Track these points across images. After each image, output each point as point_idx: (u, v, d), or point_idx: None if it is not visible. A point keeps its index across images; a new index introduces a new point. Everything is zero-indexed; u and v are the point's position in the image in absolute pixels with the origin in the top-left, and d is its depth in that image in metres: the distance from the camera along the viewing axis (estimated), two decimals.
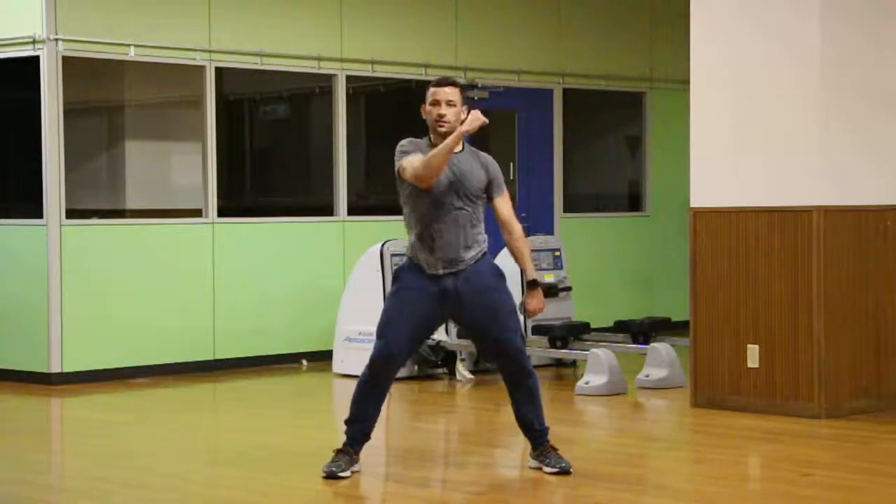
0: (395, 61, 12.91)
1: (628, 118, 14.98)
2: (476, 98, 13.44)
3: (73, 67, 11.11)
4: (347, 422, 7.45)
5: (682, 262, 10.50)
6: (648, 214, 14.84)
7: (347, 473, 7.33)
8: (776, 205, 9.12)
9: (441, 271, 7.27)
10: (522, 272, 7.65)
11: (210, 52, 11.80)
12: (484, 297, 7.27)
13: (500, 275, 7.38)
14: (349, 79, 12.66)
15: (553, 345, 11.40)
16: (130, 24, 11.39)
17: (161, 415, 9.96)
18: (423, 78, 13.02)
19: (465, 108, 7.33)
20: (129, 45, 11.34)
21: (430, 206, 7.26)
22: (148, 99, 12.54)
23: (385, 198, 13.72)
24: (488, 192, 7.35)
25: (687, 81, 9.68)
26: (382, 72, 12.88)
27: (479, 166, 7.34)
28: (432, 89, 7.31)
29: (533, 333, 11.61)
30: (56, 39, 10.95)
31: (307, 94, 13.08)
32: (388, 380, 7.45)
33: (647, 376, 10.56)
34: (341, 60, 12.58)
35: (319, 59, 12.44)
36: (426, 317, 7.33)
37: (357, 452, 7.42)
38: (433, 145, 7.23)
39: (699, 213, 9.49)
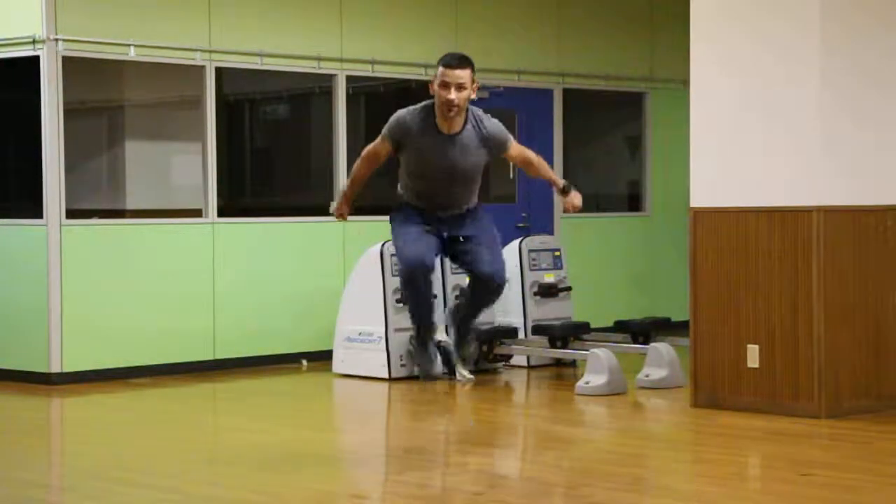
0: (395, 61, 12.91)
1: (628, 118, 14.98)
2: (476, 98, 13.43)
3: (73, 67, 11.11)
4: (414, 323, 7.78)
5: (682, 262, 10.50)
6: (648, 214, 14.84)
7: (439, 365, 7.90)
8: (776, 205, 9.12)
9: (432, 210, 7.56)
10: (553, 184, 7.98)
11: (210, 52, 11.80)
12: (476, 229, 7.56)
13: (489, 218, 7.71)
14: (349, 79, 12.66)
15: (553, 345, 11.41)
16: (130, 24, 11.39)
17: (161, 415, 9.96)
18: (423, 78, 13.02)
19: (475, 86, 7.34)
20: (129, 45, 11.35)
21: (427, 180, 7.45)
22: (148, 99, 12.54)
23: (385, 198, 13.73)
24: (496, 156, 7.55)
25: (687, 81, 9.69)
26: (382, 72, 12.89)
27: (480, 146, 7.40)
28: (442, 69, 7.26)
29: (533, 333, 11.62)
30: (56, 39, 10.95)
31: (307, 94, 13.08)
32: (426, 281, 7.52)
33: (647, 376, 10.56)
34: (341, 60, 12.58)
35: (319, 59, 12.44)
36: (433, 235, 7.56)
37: (433, 323, 7.71)
38: (434, 123, 7.30)
39: (699, 213, 9.49)
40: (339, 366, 11.45)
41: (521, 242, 11.98)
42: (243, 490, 7.20)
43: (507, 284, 7.71)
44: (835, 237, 9.03)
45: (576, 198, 7.78)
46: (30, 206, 11.14)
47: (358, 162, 7.72)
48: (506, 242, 12.23)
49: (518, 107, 13.88)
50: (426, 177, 7.48)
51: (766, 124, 9.19)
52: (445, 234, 7.58)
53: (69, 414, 10.29)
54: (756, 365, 9.20)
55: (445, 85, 7.22)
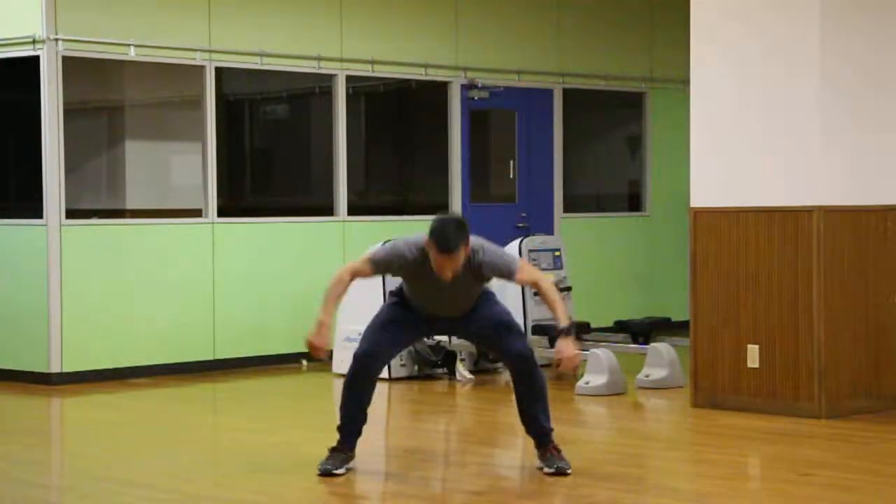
0: (395, 61, 12.91)
1: (628, 118, 14.98)
2: (476, 98, 13.45)
3: (73, 67, 11.11)
4: (339, 427, 7.53)
5: (682, 262, 10.51)
6: (648, 214, 14.84)
7: (342, 471, 7.36)
8: (776, 205, 9.12)
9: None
10: (555, 319, 7.31)
11: (210, 52, 11.80)
12: (479, 319, 7.37)
13: (487, 292, 7.46)
14: (349, 79, 12.66)
15: (553, 345, 11.37)
16: (130, 24, 11.39)
17: (161, 415, 9.96)
18: (423, 78, 13.03)
19: (467, 249, 7.10)
20: (129, 45, 11.34)
21: (425, 302, 7.38)
22: (148, 99, 12.54)
23: (385, 198, 13.74)
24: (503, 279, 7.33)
25: (687, 81, 9.69)
26: (382, 72, 12.88)
27: (475, 279, 7.23)
28: (435, 252, 7.02)
29: (533, 333, 11.60)
30: (56, 39, 10.95)
31: (307, 94, 13.08)
32: (370, 380, 7.46)
33: (647, 376, 10.55)
34: (341, 60, 12.58)
35: (319, 59, 12.43)
36: (414, 329, 7.50)
37: (351, 450, 7.47)
38: (431, 267, 7.10)
39: (699, 213, 9.48)
40: (339, 366, 11.44)
41: (521, 242, 11.97)
42: (243, 490, 7.19)
43: (535, 363, 7.40)
44: (835, 237, 9.03)
45: (565, 349, 7.07)
46: (30, 206, 11.14)
47: (334, 282, 7.28)
48: (506, 242, 12.24)
49: (518, 107, 13.87)
50: (423, 301, 7.39)
51: (766, 124, 9.19)
52: (436, 332, 7.66)
53: (69, 414, 10.29)
54: (756, 365, 9.19)
55: (440, 264, 7.06)
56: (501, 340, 7.34)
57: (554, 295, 7.14)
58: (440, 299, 7.33)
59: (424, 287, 7.29)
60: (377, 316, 7.52)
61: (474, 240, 7.17)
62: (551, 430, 7.43)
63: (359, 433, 7.51)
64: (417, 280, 7.28)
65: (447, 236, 7.01)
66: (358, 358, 7.38)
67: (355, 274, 7.27)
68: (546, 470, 7.32)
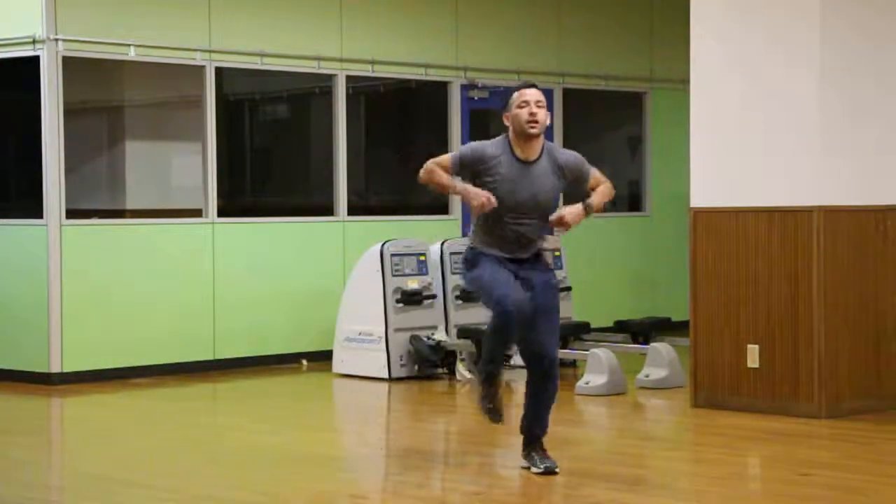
0: (395, 61, 12.91)
1: (628, 118, 14.98)
2: (476, 98, 13.45)
3: (73, 67, 11.11)
4: (485, 362, 7.34)
5: (682, 262, 10.50)
6: (648, 214, 14.84)
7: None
8: (776, 205, 9.12)
9: (510, 256, 7.31)
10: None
11: (210, 52, 11.80)
12: (543, 292, 7.33)
13: (554, 278, 7.55)
14: (349, 79, 12.66)
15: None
16: (130, 24, 11.39)
17: (161, 415, 9.96)
18: (423, 78, 13.03)
19: (548, 114, 7.28)
20: (129, 45, 11.34)
21: (506, 210, 7.19)
22: (148, 99, 12.54)
23: (385, 198, 13.75)
24: (574, 187, 7.34)
25: (687, 81, 9.68)
26: (382, 72, 12.89)
27: (555, 175, 7.24)
28: (518, 92, 7.17)
29: None
30: (56, 39, 10.95)
31: (307, 94, 13.08)
32: (518, 331, 7.29)
33: (647, 376, 10.56)
34: (341, 60, 12.58)
35: (319, 59, 12.44)
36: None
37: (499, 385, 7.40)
38: (511, 151, 7.14)
39: (699, 213, 9.49)
40: (339, 366, 11.45)
41: None
42: (243, 490, 7.20)
43: (557, 375, 7.47)
44: (835, 237, 9.03)
45: (572, 210, 7.32)
46: (30, 206, 11.14)
47: (427, 170, 7.29)
48: None
49: None
50: (509, 214, 7.21)
51: (767, 124, 9.19)
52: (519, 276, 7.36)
53: (69, 414, 10.29)
54: (756, 365, 9.19)
55: (524, 104, 7.13)
56: (539, 327, 7.28)
57: (610, 190, 7.52)
58: (523, 202, 7.16)
59: (510, 180, 7.14)
60: (482, 276, 7.25)
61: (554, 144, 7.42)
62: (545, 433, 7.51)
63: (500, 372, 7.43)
64: (502, 170, 7.15)
65: (527, 82, 7.34)
66: (506, 309, 7.11)
67: (437, 164, 7.26)
68: (534, 470, 7.33)
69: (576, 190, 7.43)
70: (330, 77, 12.57)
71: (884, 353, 9.32)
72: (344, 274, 12.23)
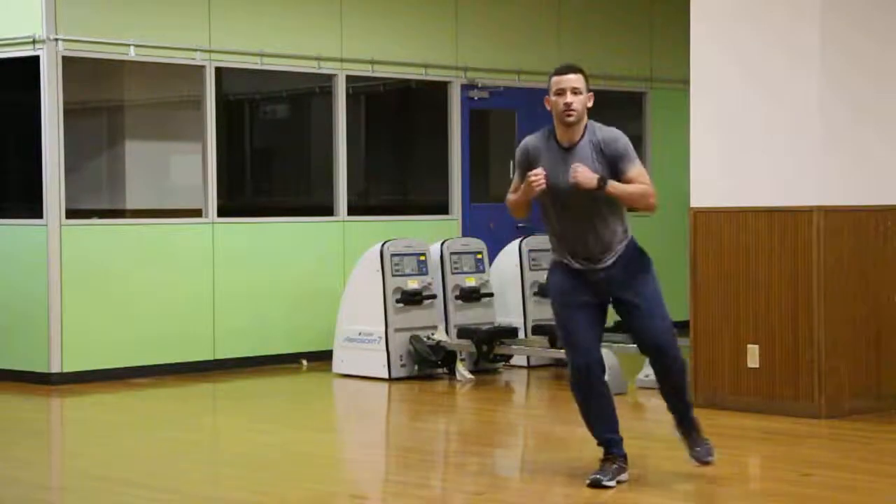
0: (395, 61, 12.91)
1: (628, 118, 14.97)
2: (476, 98, 13.45)
3: (73, 67, 11.11)
4: (594, 434, 7.24)
5: (682, 262, 10.49)
6: (648, 214, 14.81)
7: (613, 483, 7.04)
8: (776, 205, 9.12)
9: (583, 266, 7.05)
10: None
11: (210, 52, 11.80)
12: (628, 285, 7.17)
13: (645, 261, 7.40)
14: (349, 79, 12.66)
15: (553, 345, 11.39)
16: (130, 24, 11.39)
17: (161, 415, 9.96)
18: (423, 78, 13.03)
19: (590, 94, 7.02)
20: (129, 45, 11.34)
21: (559, 209, 7.00)
22: (148, 99, 12.54)
23: (385, 198, 13.74)
24: (614, 169, 6.96)
25: (687, 81, 9.68)
26: (382, 72, 12.88)
27: (596, 156, 6.93)
28: (555, 78, 7.00)
29: (533, 333, 11.61)
30: (56, 39, 10.95)
31: (307, 94, 13.08)
32: (596, 384, 7.19)
33: (647, 376, 10.54)
34: (341, 60, 12.58)
35: (319, 59, 12.44)
36: (592, 308, 7.11)
37: (622, 457, 7.16)
38: (556, 139, 6.95)
39: (699, 213, 9.48)
40: (339, 366, 11.45)
41: (521, 242, 11.99)
42: (243, 490, 7.20)
43: (676, 352, 7.23)
44: (835, 237, 9.03)
45: (585, 171, 6.88)
46: (30, 206, 11.14)
47: (510, 204, 7.18)
48: (506, 242, 12.25)
49: (518, 107, 13.88)
50: (557, 204, 6.98)
51: (767, 124, 9.19)
52: (608, 299, 7.17)
53: (69, 414, 10.29)
54: (756, 365, 9.19)
55: (561, 91, 6.95)
56: (643, 323, 7.17)
57: (641, 191, 7.21)
58: (570, 193, 6.87)
59: (554, 171, 6.90)
60: (557, 314, 7.14)
61: (598, 124, 7.10)
62: (689, 406, 7.36)
63: (615, 440, 7.19)
64: (547, 160, 6.95)
65: (563, 64, 7.20)
66: (575, 369, 7.11)
67: (511, 191, 7.10)
68: (693, 461, 7.28)
69: (614, 173, 6.99)
70: (330, 77, 12.57)
71: (884, 354, 9.32)
72: (344, 274, 12.23)
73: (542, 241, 12.14)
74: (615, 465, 7.10)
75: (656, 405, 10.05)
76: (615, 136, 7.03)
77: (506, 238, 12.42)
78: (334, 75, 12.57)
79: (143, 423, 9.61)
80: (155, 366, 11.48)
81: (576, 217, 6.97)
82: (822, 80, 8.97)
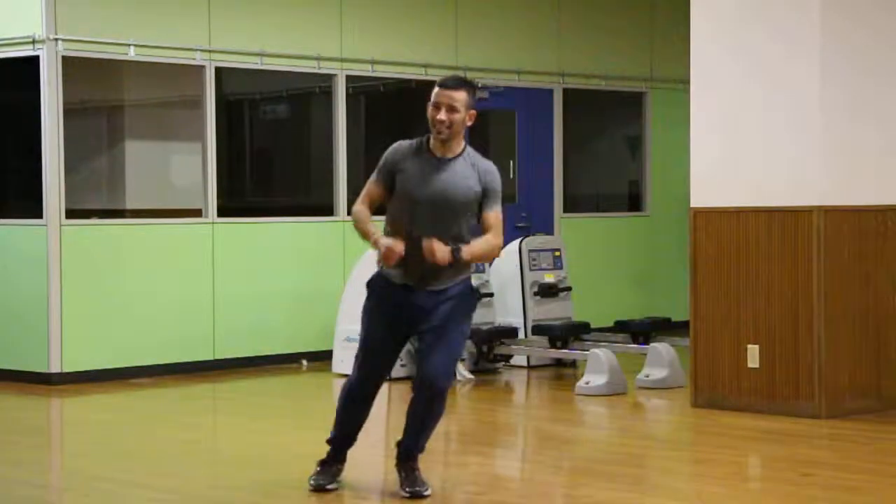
0: (395, 61, 12.91)
1: (628, 118, 14.98)
2: (476, 98, 13.43)
3: (73, 67, 11.11)
4: (330, 440, 7.27)
5: (682, 262, 10.50)
6: (648, 214, 14.84)
7: (334, 486, 7.16)
8: (776, 205, 9.12)
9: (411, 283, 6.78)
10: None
11: (210, 52, 11.80)
12: (443, 315, 6.80)
13: (467, 305, 6.91)
14: (349, 79, 12.66)
15: (553, 345, 11.41)
16: (130, 24, 11.39)
17: (161, 415, 9.96)
18: (423, 78, 13.02)
19: (470, 113, 6.74)
20: (129, 45, 11.34)
21: (409, 215, 6.73)
22: (148, 99, 12.54)
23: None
24: (482, 197, 6.75)
25: (687, 81, 9.69)
26: (382, 72, 12.88)
27: (471, 175, 6.72)
28: (436, 89, 6.76)
29: (533, 333, 11.62)
30: (56, 39, 10.95)
31: (307, 94, 13.08)
32: (366, 402, 7.30)
33: (647, 376, 10.55)
34: (341, 60, 12.58)
35: (319, 59, 12.44)
36: (399, 328, 6.94)
37: (342, 462, 7.26)
38: (429, 150, 6.76)
39: (699, 213, 9.48)
40: (338, 366, 11.44)
41: (521, 242, 11.98)
42: (243, 490, 7.19)
43: (443, 395, 7.03)
44: (835, 237, 9.03)
45: (436, 245, 6.59)
46: (30, 206, 11.14)
47: (356, 215, 6.99)
48: (506, 242, 12.23)
49: (518, 107, 13.88)
50: (409, 211, 6.73)
51: (766, 124, 9.19)
52: (411, 325, 6.89)
53: (69, 414, 10.29)
54: (756, 365, 9.19)
55: (437, 105, 6.69)
56: (431, 350, 6.88)
57: (489, 248, 6.77)
58: (430, 200, 6.65)
59: (419, 176, 6.72)
60: (364, 326, 6.99)
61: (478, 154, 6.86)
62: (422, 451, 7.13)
63: (350, 446, 7.30)
64: (414, 166, 6.75)
65: (451, 76, 6.90)
66: (352, 384, 7.15)
67: (367, 197, 6.92)
68: (405, 492, 6.95)
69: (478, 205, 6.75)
70: (330, 77, 12.57)
71: (884, 353, 9.32)
72: (344, 274, 12.23)
73: (542, 241, 12.14)
74: (336, 467, 7.19)
75: (656, 405, 10.06)
76: (493, 169, 6.82)
77: (506, 238, 12.40)
78: (334, 75, 12.57)
79: (143, 423, 9.60)
80: (155, 366, 11.48)
81: (430, 223, 6.68)
82: (822, 79, 8.96)
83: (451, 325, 6.82)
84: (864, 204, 9.22)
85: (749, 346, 9.23)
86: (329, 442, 7.27)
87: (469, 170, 6.76)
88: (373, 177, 6.94)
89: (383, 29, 12.87)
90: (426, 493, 6.90)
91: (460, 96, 6.74)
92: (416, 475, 7.00)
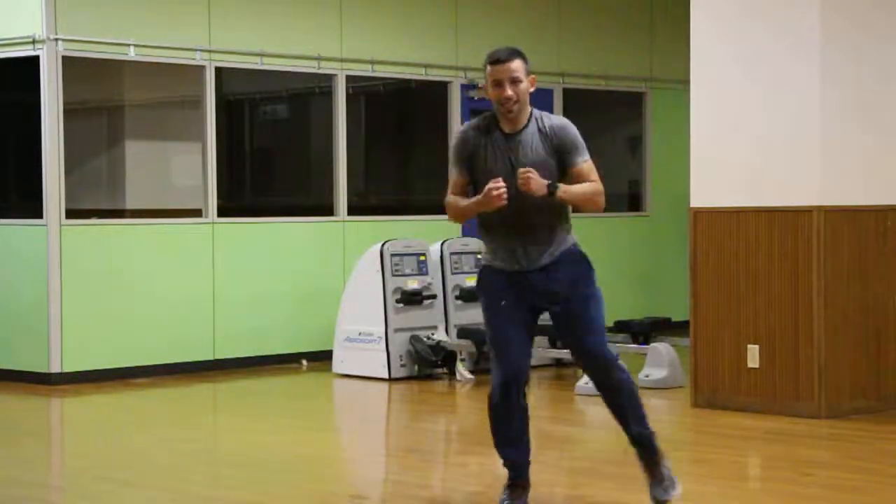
0: (395, 61, 12.91)
1: (628, 118, 14.98)
2: (476, 98, 13.45)
3: (73, 67, 11.11)
4: (503, 463, 6.74)
5: (682, 262, 10.50)
6: (648, 214, 14.84)
7: None
8: (776, 205, 9.12)
9: (519, 267, 6.42)
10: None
11: (210, 52, 11.80)
12: (569, 295, 6.48)
13: (586, 267, 6.63)
14: (349, 79, 12.66)
15: (553, 345, 11.40)
16: (130, 24, 11.39)
17: (161, 415, 9.96)
18: (423, 78, 13.03)
19: (532, 78, 6.51)
20: (129, 45, 11.34)
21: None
22: (148, 99, 12.54)
23: (385, 198, 13.75)
24: (563, 160, 6.38)
25: (687, 81, 9.69)
26: (382, 72, 12.88)
27: (542, 144, 6.38)
28: (490, 68, 6.44)
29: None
30: (56, 39, 10.95)
31: (307, 94, 13.08)
32: (515, 404, 6.72)
33: (647, 376, 10.55)
34: (341, 60, 12.58)
35: (319, 59, 12.44)
36: (523, 312, 6.51)
37: (526, 480, 6.68)
38: (498, 126, 6.46)
39: (699, 213, 9.48)
40: (339, 366, 11.44)
41: None
42: (243, 491, 7.19)
43: (614, 364, 6.51)
44: (835, 237, 9.03)
45: (533, 178, 6.23)
46: (30, 206, 11.14)
47: (450, 208, 6.49)
48: None
49: None
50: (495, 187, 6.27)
51: (767, 124, 9.19)
52: (537, 304, 6.50)
53: (69, 414, 10.29)
54: (756, 365, 9.19)
55: (499, 83, 6.42)
56: (575, 330, 6.55)
57: (591, 191, 6.48)
58: (508, 181, 6.23)
59: (493, 158, 6.38)
60: (486, 320, 6.56)
61: (546, 112, 6.55)
62: (650, 433, 6.70)
63: (525, 463, 6.71)
64: (485, 147, 6.43)
65: (500, 49, 6.55)
66: (493, 390, 6.61)
67: (454, 188, 6.43)
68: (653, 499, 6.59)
69: (562, 164, 6.41)
70: (330, 77, 12.57)
71: (884, 354, 9.32)
72: (344, 274, 12.23)
73: None
74: (520, 489, 6.67)
75: (656, 405, 10.05)
76: (564, 123, 6.49)
77: None
78: (334, 75, 12.57)
79: (143, 423, 9.61)
80: (155, 366, 11.48)
81: (518, 207, 6.30)
82: (822, 79, 8.96)
83: (577, 300, 6.50)
84: (864, 204, 9.22)
85: (749, 346, 9.23)
86: (504, 465, 6.74)
87: (538, 138, 6.41)
88: (453, 172, 6.51)
89: (383, 29, 12.87)
90: (666, 498, 6.51)
91: (518, 66, 6.50)
92: (659, 470, 6.55)
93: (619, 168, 15.31)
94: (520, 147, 6.41)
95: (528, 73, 6.55)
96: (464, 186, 6.46)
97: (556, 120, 6.52)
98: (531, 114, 6.53)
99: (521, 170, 6.24)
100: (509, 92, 6.43)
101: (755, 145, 9.23)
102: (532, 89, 6.53)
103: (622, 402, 6.60)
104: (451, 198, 6.44)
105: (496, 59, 6.47)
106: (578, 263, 6.64)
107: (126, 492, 7.26)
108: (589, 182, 6.46)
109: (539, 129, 6.47)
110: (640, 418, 6.64)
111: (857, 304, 9.17)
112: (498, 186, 6.17)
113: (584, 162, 6.42)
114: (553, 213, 6.50)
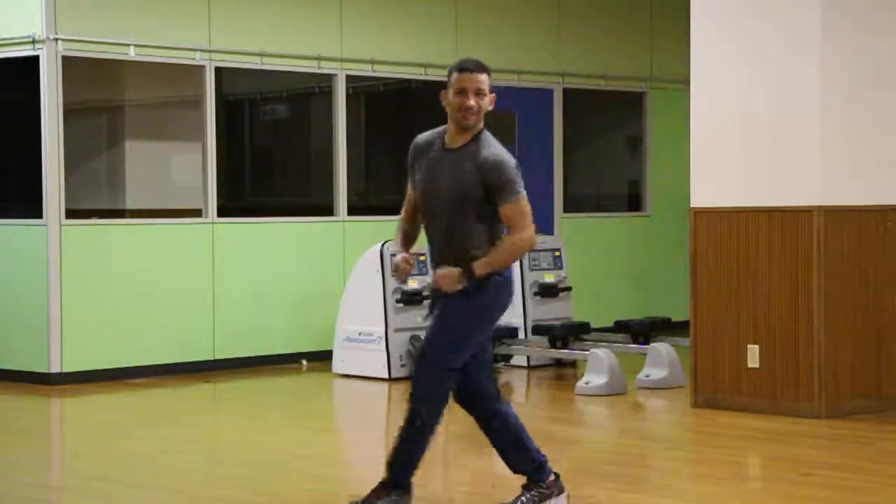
0: (395, 61, 12.91)
1: (628, 118, 14.98)
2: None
3: (73, 67, 11.11)
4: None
5: (682, 262, 10.50)
6: (648, 214, 14.84)
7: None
8: (776, 205, 9.12)
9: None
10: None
11: (210, 52, 11.80)
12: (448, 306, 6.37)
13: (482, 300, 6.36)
14: (349, 79, 12.66)
15: (553, 345, 11.41)
16: (130, 24, 11.39)
17: (161, 415, 9.96)
18: (423, 78, 13.03)
19: (491, 96, 6.46)
20: (129, 45, 11.34)
21: (424, 215, 6.49)
22: (148, 99, 12.54)
23: (385, 198, 13.74)
24: (488, 192, 6.28)
25: (687, 81, 9.68)
26: (382, 72, 12.88)
27: (472, 167, 6.29)
28: (457, 75, 6.42)
29: (533, 333, 11.62)
30: (56, 39, 10.95)
31: (307, 94, 13.08)
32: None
33: (647, 376, 10.56)
34: (341, 60, 12.58)
35: (319, 59, 12.43)
36: None
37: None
38: (444, 140, 6.40)
39: (699, 213, 9.48)
40: (339, 366, 11.44)
41: None
42: (243, 490, 7.19)
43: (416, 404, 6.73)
44: (835, 237, 9.03)
45: (444, 272, 6.26)
46: (30, 206, 11.14)
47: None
48: None
49: (518, 107, 13.87)
50: (424, 213, 6.50)
51: (767, 124, 9.19)
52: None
53: (69, 414, 10.29)
54: (756, 365, 9.19)
55: (462, 91, 6.35)
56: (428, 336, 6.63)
57: (509, 249, 6.32)
58: (432, 194, 6.36)
59: (428, 170, 6.43)
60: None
61: (492, 138, 6.40)
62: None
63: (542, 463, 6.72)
64: (427, 159, 6.47)
65: (469, 59, 6.60)
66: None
67: (407, 202, 6.64)
68: None
69: (487, 196, 6.31)
70: (330, 77, 12.57)
71: (884, 354, 9.32)
72: (344, 274, 12.23)
73: (542, 241, 12.13)
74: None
75: (656, 405, 10.06)
76: (499, 162, 6.29)
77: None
78: (334, 75, 12.57)
79: (143, 423, 9.60)
80: (155, 366, 11.47)
81: (438, 223, 6.40)
82: (822, 79, 8.96)
83: (443, 318, 6.48)
84: (864, 204, 9.22)
85: (749, 346, 9.23)
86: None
87: (470, 163, 6.30)
88: (409, 183, 6.61)
89: (383, 29, 12.87)
90: None
91: (485, 79, 6.50)
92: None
93: (619, 168, 15.31)
94: (449, 164, 6.35)
95: (491, 90, 6.49)
96: (413, 200, 6.59)
97: (493, 156, 6.31)
98: (478, 136, 6.39)
99: (437, 272, 6.25)
100: (472, 101, 6.35)
101: (755, 145, 9.23)
102: (490, 107, 6.44)
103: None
104: (400, 218, 6.63)
105: (465, 68, 6.48)
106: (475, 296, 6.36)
107: (126, 492, 7.26)
108: (509, 237, 6.34)
109: (475, 155, 6.32)
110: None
111: (857, 303, 9.17)
112: (402, 270, 6.34)
113: (510, 204, 6.32)
114: (473, 229, 6.37)
